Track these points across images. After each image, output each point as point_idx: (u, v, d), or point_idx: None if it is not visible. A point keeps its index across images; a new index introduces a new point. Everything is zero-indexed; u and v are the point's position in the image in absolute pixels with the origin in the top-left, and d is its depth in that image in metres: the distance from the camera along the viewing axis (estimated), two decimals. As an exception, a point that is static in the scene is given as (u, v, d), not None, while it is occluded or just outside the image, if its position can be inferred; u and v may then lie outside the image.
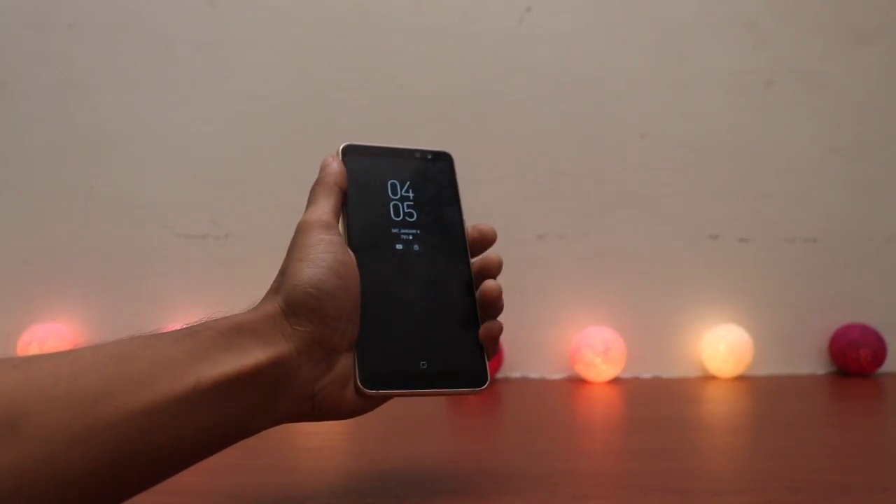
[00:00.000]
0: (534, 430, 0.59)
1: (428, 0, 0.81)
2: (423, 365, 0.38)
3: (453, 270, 0.41)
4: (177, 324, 0.78)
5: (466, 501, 0.40)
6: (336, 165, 0.41)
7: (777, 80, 0.83)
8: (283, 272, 0.36)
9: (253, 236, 0.80)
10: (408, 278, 0.40)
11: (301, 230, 0.37)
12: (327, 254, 0.36)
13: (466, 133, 0.81)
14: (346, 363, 0.36)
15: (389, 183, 0.43)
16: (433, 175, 0.44)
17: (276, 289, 0.35)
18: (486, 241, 0.43)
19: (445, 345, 0.39)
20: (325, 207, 0.38)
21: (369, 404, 0.37)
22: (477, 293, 0.40)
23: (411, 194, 0.43)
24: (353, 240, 0.39)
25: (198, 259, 0.81)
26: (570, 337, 0.80)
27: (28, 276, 0.80)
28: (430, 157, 0.45)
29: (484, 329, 0.40)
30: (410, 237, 0.41)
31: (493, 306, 0.40)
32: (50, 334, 0.77)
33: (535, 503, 0.40)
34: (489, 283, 0.40)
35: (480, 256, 0.42)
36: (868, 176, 0.84)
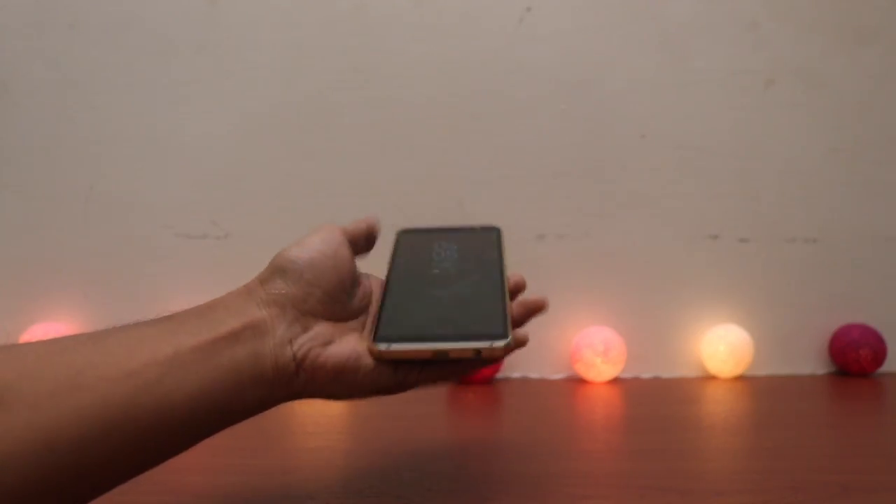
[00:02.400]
0: (534, 430, 0.59)
1: (428, 0, 0.81)
2: (440, 328, 0.37)
3: (487, 277, 0.42)
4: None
5: (466, 501, 0.40)
6: (373, 218, 0.43)
7: (777, 80, 0.83)
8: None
9: (253, 236, 0.80)
10: (440, 276, 0.41)
11: (310, 231, 0.40)
12: (318, 241, 0.38)
13: (466, 133, 0.81)
14: (324, 329, 0.36)
15: (437, 242, 0.45)
16: (479, 240, 0.46)
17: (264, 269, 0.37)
18: (517, 288, 0.44)
19: (467, 312, 0.38)
20: (343, 225, 0.41)
21: (365, 379, 0.36)
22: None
23: (455, 247, 0.45)
24: (395, 261, 0.43)
25: (198, 259, 0.81)
26: (570, 337, 0.80)
27: (28, 276, 0.80)
28: (479, 229, 0.48)
29: (521, 306, 0.41)
30: (448, 266, 0.43)
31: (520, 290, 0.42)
32: (50, 334, 0.77)
33: (535, 503, 0.40)
34: (518, 274, 0.43)
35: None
36: (868, 176, 0.84)
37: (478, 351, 0.35)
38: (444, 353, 0.35)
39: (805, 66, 0.83)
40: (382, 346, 0.35)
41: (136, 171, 0.81)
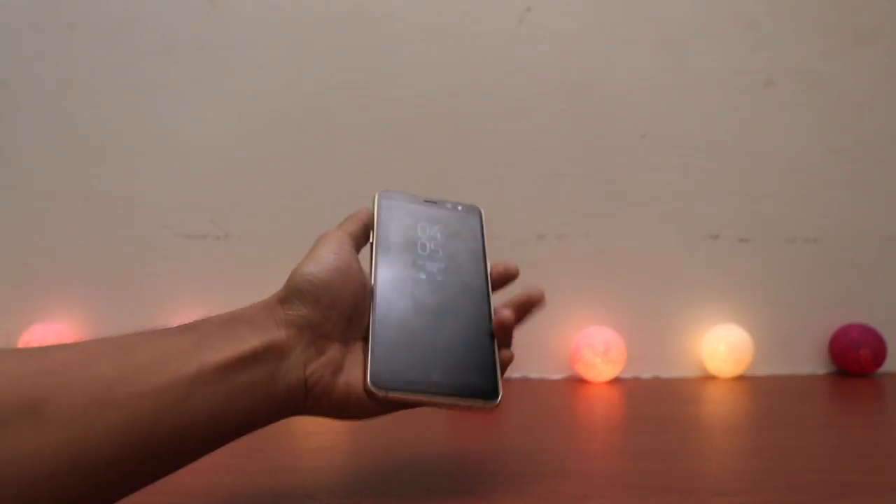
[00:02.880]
0: (534, 430, 0.59)
1: (428, 0, 0.81)
2: (435, 376, 0.38)
3: (473, 295, 0.42)
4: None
5: (466, 501, 0.40)
6: (365, 212, 0.44)
7: (777, 80, 0.83)
8: (291, 273, 0.38)
9: (253, 236, 0.80)
10: (427, 299, 0.41)
11: (317, 240, 0.40)
12: (331, 255, 0.38)
13: (466, 133, 0.81)
14: (337, 352, 0.37)
15: (419, 225, 0.45)
16: (462, 224, 0.47)
17: (282, 287, 0.37)
18: (509, 275, 0.45)
19: (459, 360, 0.39)
20: (344, 227, 0.42)
21: (369, 407, 0.37)
22: (494, 319, 0.41)
23: (438, 236, 0.45)
24: (380, 263, 0.42)
25: (198, 259, 0.81)
26: (570, 337, 0.80)
27: (28, 276, 0.80)
28: (460, 208, 0.47)
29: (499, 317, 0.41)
30: (434, 270, 0.43)
31: (507, 335, 0.42)
32: (50, 334, 0.77)
33: (535, 503, 0.40)
34: (505, 312, 0.41)
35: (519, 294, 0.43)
36: (868, 176, 0.84)
37: (470, 407, 0.38)
38: (438, 404, 0.38)
39: (805, 66, 0.83)
40: (380, 394, 0.36)
41: (136, 171, 0.81)
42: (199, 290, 0.80)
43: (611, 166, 0.82)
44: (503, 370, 0.41)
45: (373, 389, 0.36)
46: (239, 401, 0.33)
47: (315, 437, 0.54)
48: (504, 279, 0.45)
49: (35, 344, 0.76)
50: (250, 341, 0.34)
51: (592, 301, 0.82)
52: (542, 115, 0.82)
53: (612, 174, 0.82)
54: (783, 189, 0.83)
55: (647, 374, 0.82)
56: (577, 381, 0.79)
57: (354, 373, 0.37)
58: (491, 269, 0.44)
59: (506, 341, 0.42)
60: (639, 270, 0.82)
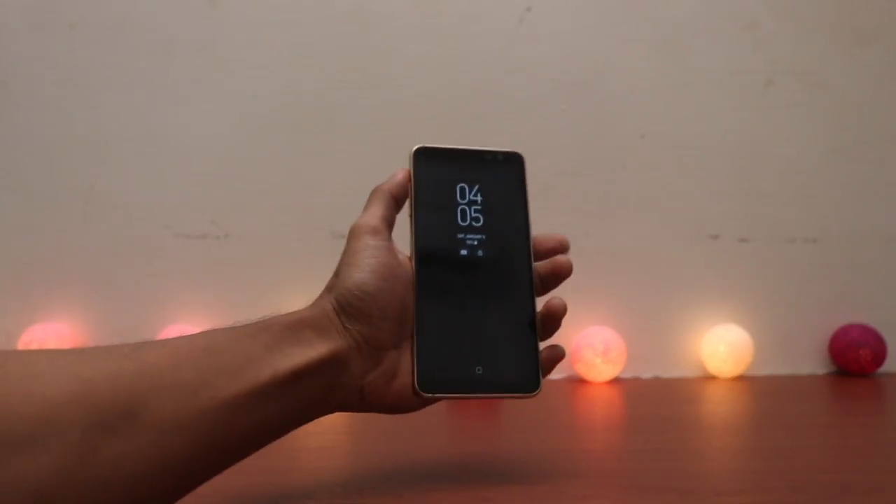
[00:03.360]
0: (534, 430, 0.59)
1: (428, 0, 0.81)
2: (479, 371, 0.39)
3: (516, 277, 0.42)
4: (186, 324, 0.78)
5: (466, 501, 0.40)
6: (400, 176, 0.42)
7: (777, 80, 0.83)
8: (336, 274, 0.39)
9: (253, 236, 0.80)
10: (469, 284, 0.41)
11: (351, 235, 0.40)
12: (372, 259, 0.38)
13: (466, 133, 0.81)
14: (392, 359, 0.38)
15: (458, 187, 0.43)
16: (502, 177, 0.44)
17: (330, 288, 0.38)
18: (561, 248, 0.45)
19: (501, 351, 0.40)
20: (376, 213, 0.41)
21: (417, 403, 0.39)
22: (541, 308, 0.41)
23: (479, 198, 0.43)
24: (419, 244, 0.41)
25: (198, 259, 0.81)
26: (570, 337, 0.80)
27: (28, 276, 0.80)
28: (500, 157, 0.45)
29: (548, 352, 0.42)
30: (475, 242, 0.42)
31: (555, 321, 0.42)
32: (50, 334, 0.77)
33: (535, 503, 0.40)
34: (555, 301, 0.41)
35: (551, 259, 0.43)
36: (868, 176, 0.84)
37: (511, 398, 0.41)
38: (481, 398, 0.40)
39: (805, 66, 0.83)
40: (427, 395, 0.38)
41: (136, 171, 0.81)
42: (199, 290, 0.80)
43: (611, 166, 0.82)
44: (553, 367, 0.42)
45: (420, 392, 0.38)
46: (302, 405, 0.35)
47: (315, 437, 0.54)
48: (555, 252, 0.44)
49: (35, 344, 0.76)
50: (318, 348, 0.35)
51: (592, 301, 0.82)
52: (542, 115, 0.82)
53: (612, 174, 0.82)
54: (783, 189, 0.83)
55: (647, 374, 0.82)
56: (577, 381, 0.79)
57: (405, 377, 0.38)
58: (535, 243, 0.43)
59: (553, 327, 0.42)
60: (639, 270, 0.82)
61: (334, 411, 0.37)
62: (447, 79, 0.81)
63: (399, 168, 0.43)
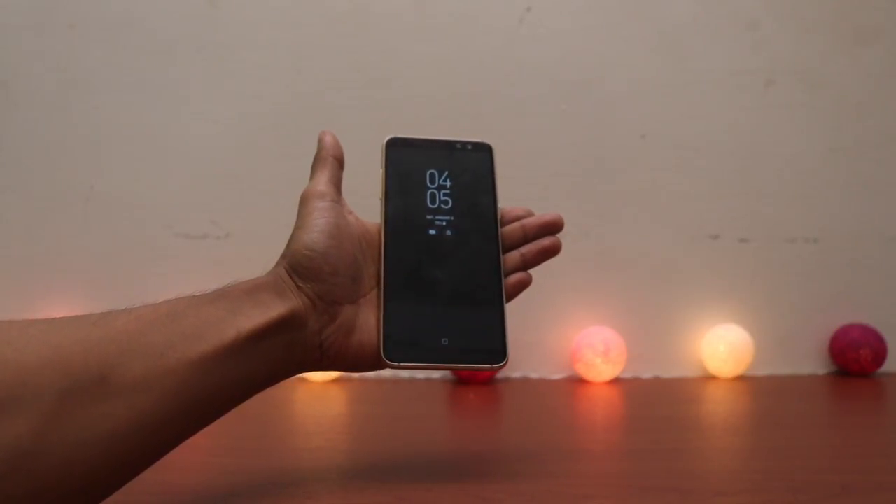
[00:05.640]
0: (534, 430, 0.59)
1: (428, 0, 0.81)
2: (445, 342, 0.40)
3: (483, 253, 0.43)
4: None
5: (466, 501, 0.40)
6: (329, 138, 0.45)
7: (777, 80, 0.83)
8: (288, 242, 0.40)
9: (253, 236, 0.80)
10: (437, 261, 0.42)
11: (301, 202, 0.42)
12: (321, 219, 0.40)
13: (466, 133, 0.81)
14: (348, 314, 0.39)
15: (428, 172, 0.45)
16: (472, 165, 0.47)
17: (283, 255, 0.40)
18: (526, 213, 0.47)
19: (468, 324, 0.41)
20: (320, 178, 0.43)
21: (377, 366, 0.40)
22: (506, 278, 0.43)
23: (448, 183, 0.45)
24: (389, 224, 0.43)
25: (198, 259, 0.81)
26: (570, 337, 0.80)
27: (28, 276, 0.80)
28: (469, 147, 0.47)
29: (514, 278, 0.43)
30: (444, 223, 0.44)
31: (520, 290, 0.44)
32: (50, 334, 0.77)
33: (535, 503, 0.40)
34: (521, 275, 0.44)
35: (537, 241, 0.46)
36: (868, 176, 0.84)
37: (477, 369, 0.41)
38: (449, 368, 0.41)
39: (805, 66, 0.83)
40: (393, 363, 0.39)
41: (136, 171, 0.81)
42: (199, 290, 0.80)
43: (611, 166, 0.82)
44: (519, 291, 0.43)
45: (386, 361, 0.39)
46: (266, 363, 0.36)
47: (315, 437, 0.54)
48: (517, 218, 0.46)
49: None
50: (276, 308, 0.36)
51: (592, 301, 0.82)
52: (542, 115, 0.82)
53: (612, 174, 0.82)
54: (783, 189, 0.83)
55: (647, 374, 0.82)
56: (577, 381, 0.79)
57: (367, 332, 0.40)
58: (501, 214, 0.45)
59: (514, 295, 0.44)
60: (639, 270, 0.82)
61: (298, 371, 0.38)
62: (447, 79, 0.81)
63: (322, 131, 0.45)
